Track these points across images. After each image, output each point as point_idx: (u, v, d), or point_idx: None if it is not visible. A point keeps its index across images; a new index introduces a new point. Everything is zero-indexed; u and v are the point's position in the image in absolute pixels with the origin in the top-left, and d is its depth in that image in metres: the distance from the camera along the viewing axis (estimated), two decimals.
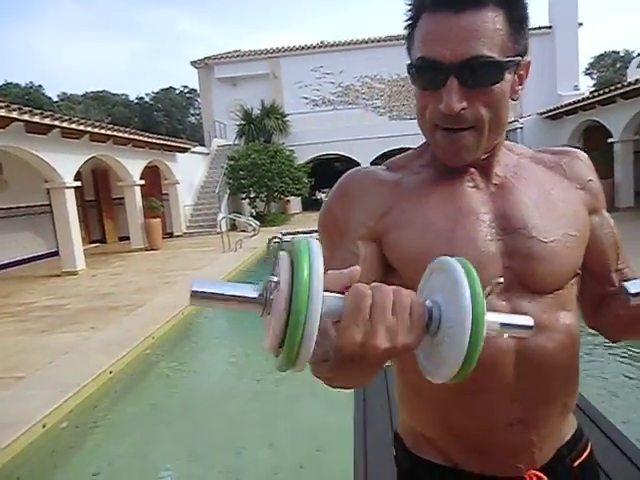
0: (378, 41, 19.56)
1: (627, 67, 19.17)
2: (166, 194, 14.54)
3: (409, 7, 0.73)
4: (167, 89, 32.89)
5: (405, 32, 0.75)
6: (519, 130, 14.74)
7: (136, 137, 11.44)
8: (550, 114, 14.44)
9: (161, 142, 12.79)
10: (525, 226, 0.74)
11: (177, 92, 33.36)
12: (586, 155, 0.86)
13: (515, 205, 0.76)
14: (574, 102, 13.06)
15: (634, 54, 34.49)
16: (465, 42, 0.66)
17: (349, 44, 19.56)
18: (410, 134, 17.81)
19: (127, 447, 3.32)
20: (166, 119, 30.63)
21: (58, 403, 3.49)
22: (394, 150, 18.46)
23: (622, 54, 37.08)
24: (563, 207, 0.77)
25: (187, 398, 4.08)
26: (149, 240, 12.07)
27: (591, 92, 15.55)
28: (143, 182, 12.38)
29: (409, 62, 0.74)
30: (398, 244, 0.75)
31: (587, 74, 38.53)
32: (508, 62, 0.69)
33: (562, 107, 13.64)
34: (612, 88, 11.38)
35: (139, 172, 12.31)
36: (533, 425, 0.75)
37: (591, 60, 38.55)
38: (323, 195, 19.83)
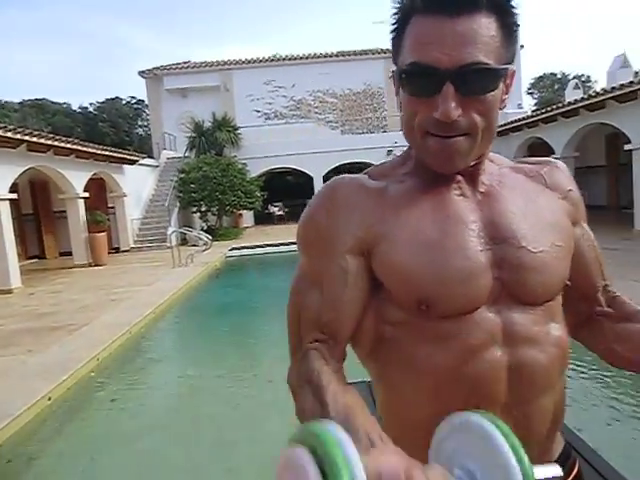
0: (330, 56, 19.83)
1: (564, 88, 20.39)
2: (112, 207, 13.93)
3: (396, 9, 0.70)
4: (113, 99, 31.77)
5: (391, 36, 0.73)
6: None
7: (79, 147, 10.89)
8: (497, 130, 15.03)
9: (107, 153, 12.25)
10: (514, 235, 0.72)
11: (124, 103, 32.31)
12: (564, 165, 0.86)
13: (503, 214, 0.74)
14: (519, 119, 13.67)
15: (569, 76, 37.11)
16: (462, 47, 0.64)
17: (302, 58, 19.70)
18: (362, 148, 18.17)
19: None
20: (112, 130, 29.53)
21: None
22: (346, 164, 18.63)
23: (559, 76, 39.56)
24: (549, 217, 0.76)
25: (135, 424, 3.78)
26: (93, 255, 11.46)
27: (533, 111, 16.39)
28: (87, 195, 11.78)
29: (396, 68, 0.71)
30: (387, 256, 0.72)
31: (529, 93, 40.92)
32: (503, 70, 0.69)
33: (508, 124, 14.24)
34: (553, 107, 12.06)
35: (83, 184, 11.70)
36: (525, 441, 0.69)
37: (532, 81, 40.91)
38: (275, 209, 19.62)
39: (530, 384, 0.71)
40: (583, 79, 37.32)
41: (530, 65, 49.73)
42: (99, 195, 13.61)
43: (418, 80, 0.68)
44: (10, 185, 8.90)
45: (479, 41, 0.65)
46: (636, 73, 14.00)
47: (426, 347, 0.71)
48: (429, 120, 0.68)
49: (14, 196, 9.02)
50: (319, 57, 19.69)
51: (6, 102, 33.06)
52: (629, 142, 9.86)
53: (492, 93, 0.68)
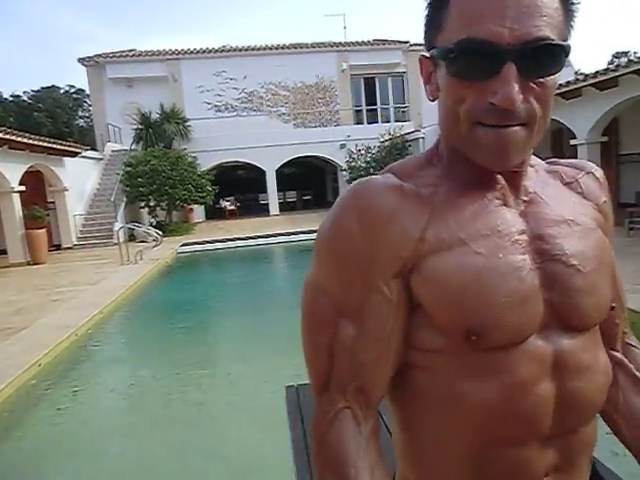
0: (282, 48, 19.47)
1: None
2: (52, 202, 13.10)
3: None
4: (50, 87, 29.82)
5: (426, 10, 0.63)
6: (421, 140, 15.25)
7: (13, 138, 10.12)
8: None
9: (45, 144, 11.47)
10: (563, 252, 0.63)
11: (62, 92, 30.42)
12: (601, 171, 0.76)
13: (549, 227, 0.65)
14: None
15: None
16: (527, 20, 0.55)
17: (253, 50, 19.25)
18: (315, 142, 18.07)
19: None
20: (49, 121, 27.77)
21: None
22: (299, 158, 18.55)
23: None
24: (591, 231, 0.67)
25: (82, 434, 3.51)
26: (32, 253, 10.73)
27: None
28: (23, 188, 11.01)
29: (436, 49, 0.61)
30: (434, 277, 0.61)
31: None
32: (569, 48, 0.59)
33: None
34: None
35: (18, 177, 10.91)
36: (567, 472, 0.67)
37: None
38: (227, 203, 19.19)
39: (578, 415, 0.64)
40: None
41: None
42: (37, 189, 12.78)
43: (471, 60, 0.57)
44: None
45: (545, 13, 0.55)
46: (576, 72, 14.71)
47: (470, 380, 0.61)
48: (482, 107, 0.58)
49: None
50: (271, 49, 19.32)
51: None
52: (575, 137, 10.30)
53: (554, 76, 0.59)
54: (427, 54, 0.65)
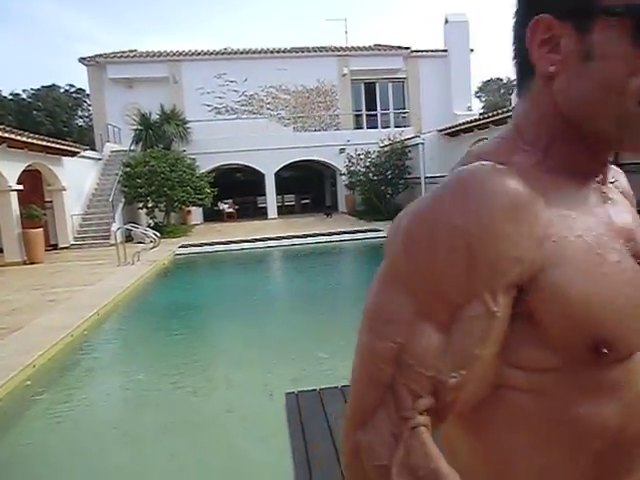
0: (284, 52, 19.47)
1: (510, 93, 21.14)
2: (50, 202, 13.03)
3: None
4: (50, 87, 29.69)
5: None
6: (420, 145, 15.33)
7: (12, 136, 10.07)
8: (448, 131, 15.31)
9: (43, 143, 11.42)
10: None
11: (62, 91, 30.29)
12: None
13: (633, 227, 0.59)
14: (471, 121, 13.92)
15: (514, 82, 38.89)
16: None
17: (254, 52, 19.25)
18: (314, 146, 18.06)
19: None
20: (49, 120, 27.66)
21: None
22: (299, 161, 18.52)
23: (505, 81, 40.76)
24: None
25: (75, 438, 3.45)
26: (28, 253, 10.66)
27: (481, 113, 16.88)
28: (21, 187, 10.94)
29: (594, 7, 0.51)
30: (561, 286, 0.52)
31: (477, 96, 42.39)
32: None
33: (460, 125, 14.49)
34: (504, 110, 12.33)
35: (16, 176, 10.85)
36: None
37: (480, 84, 42.18)
38: (225, 206, 19.13)
39: None
40: None
41: (478, 69, 51.58)
42: (35, 188, 12.70)
43: None
44: None
45: None
46: None
47: (588, 402, 0.54)
48: None
49: None
50: (272, 52, 19.32)
51: None
52: None
53: None
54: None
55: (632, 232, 0.58)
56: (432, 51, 21.06)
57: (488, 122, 12.97)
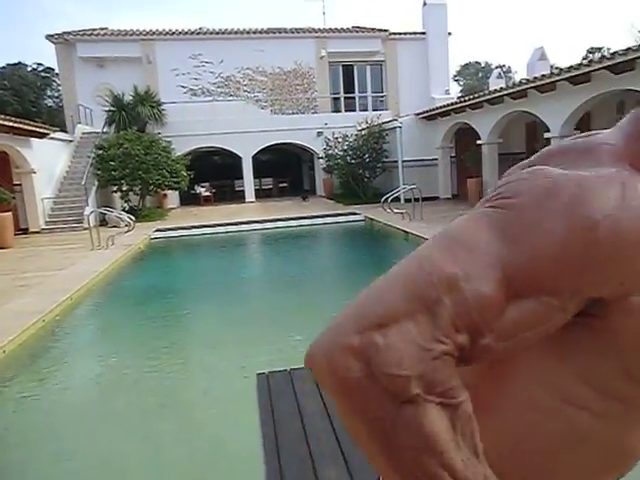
0: (261, 32, 19.14)
1: (488, 77, 21.17)
2: (19, 185, 12.67)
3: None
4: (16, 65, 28.59)
5: None
6: (398, 129, 15.34)
7: None
8: (425, 115, 15.31)
9: (9, 124, 11.04)
10: None
11: (29, 69, 29.23)
12: None
13: None
14: (447, 105, 13.94)
15: (492, 66, 38.91)
16: None
17: (230, 33, 18.86)
18: (292, 129, 17.88)
19: None
20: (15, 99, 26.64)
21: None
22: (276, 145, 18.36)
23: (483, 65, 41.05)
24: None
25: (47, 423, 3.43)
26: None
27: (459, 97, 16.92)
28: None
29: None
30: None
31: (455, 80, 42.47)
32: None
33: (436, 109, 14.51)
34: (480, 94, 12.39)
35: None
36: None
37: (458, 68, 42.20)
38: (202, 189, 18.89)
39: None
40: (505, 69, 39.11)
41: (457, 52, 51.49)
42: (3, 170, 12.35)
43: None
44: None
45: None
46: (551, 66, 14.89)
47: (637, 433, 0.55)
48: None
49: None
50: (249, 33, 18.96)
51: None
52: (549, 130, 10.36)
53: None
54: None
55: None
56: (410, 34, 20.95)
57: (465, 106, 13.08)
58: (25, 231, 12.55)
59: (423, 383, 0.44)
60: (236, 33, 18.91)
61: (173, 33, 18.41)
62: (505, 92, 11.20)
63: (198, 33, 18.63)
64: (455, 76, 42.02)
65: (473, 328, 0.47)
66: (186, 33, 18.49)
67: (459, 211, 11.68)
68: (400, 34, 20.82)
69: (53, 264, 8.00)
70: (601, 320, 0.52)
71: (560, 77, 9.45)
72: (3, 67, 28.55)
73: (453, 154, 15.48)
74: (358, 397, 0.45)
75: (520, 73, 36.55)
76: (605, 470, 0.57)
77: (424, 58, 20.50)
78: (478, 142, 13.20)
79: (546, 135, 10.49)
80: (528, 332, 0.49)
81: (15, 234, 11.06)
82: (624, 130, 0.58)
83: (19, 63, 29.36)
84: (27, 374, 4.19)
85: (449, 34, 21.01)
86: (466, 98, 13.28)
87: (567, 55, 51.56)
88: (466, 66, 42.48)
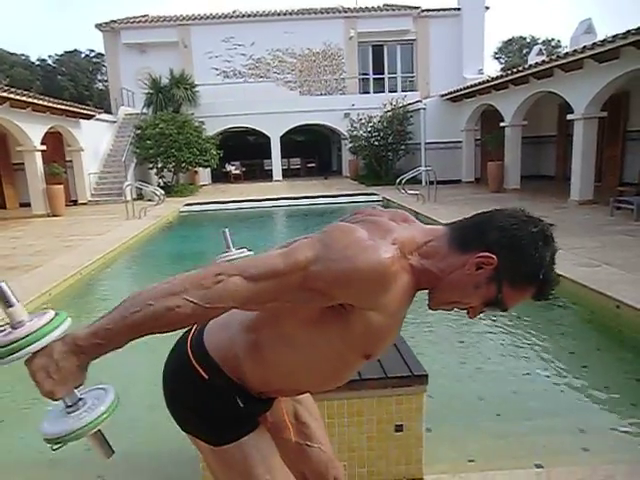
0: (291, 14, 19.60)
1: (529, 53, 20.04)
2: (70, 161, 14.26)
3: None
4: (72, 52, 30.84)
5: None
6: (422, 111, 15.34)
7: (35, 101, 11.19)
8: (451, 96, 14.98)
9: (63, 107, 12.52)
10: None
11: (83, 56, 31.45)
12: None
13: None
14: (470, 86, 13.55)
15: (539, 41, 36.12)
16: None
17: (262, 15, 19.56)
18: (320, 110, 18.13)
19: None
20: (71, 84, 28.90)
21: None
22: (306, 125, 18.79)
23: (529, 40, 38.56)
24: None
25: None
26: (51, 206, 11.98)
27: (489, 76, 16.31)
28: (44, 147, 12.15)
29: None
30: (367, 317, 0.99)
31: (496, 58, 40.19)
32: None
33: (461, 90, 14.14)
34: (503, 74, 11.95)
35: (40, 137, 12.04)
36: None
37: (499, 44, 40.21)
38: (232, 168, 19.92)
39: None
40: (553, 44, 36.75)
41: (499, 28, 48.41)
42: (57, 148, 13.90)
43: None
44: None
45: None
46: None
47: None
48: None
49: None
50: (279, 14, 19.58)
51: None
52: (573, 112, 9.82)
53: None
54: None
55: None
56: (444, 10, 20.37)
57: (489, 86, 12.56)
58: (75, 202, 14.21)
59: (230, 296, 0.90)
60: (267, 15, 19.54)
61: (207, 17, 19.35)
62: (528, 71, 10.55)
63: (231, 17, 19.44)
64: (496, 53, 40.38)
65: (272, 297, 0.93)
66: (219, 17, 19.38)
67: (473, 195, 12.01)
68: (433, 11, 20.34)
69: (93, 230, 9.42)
70: (348, 312, 0.96)
71: (584, 54, 8.72)
72: (62, 54, 30.77)
73: (478, 137, 15.16)
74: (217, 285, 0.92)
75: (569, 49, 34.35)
76: (332, 382, 1.12)
77: (458, 36, 19.93)
78: (501, 124, 12.70)
79: (569, 117, 9.98)
80: (306, 303, 0.96)
81: (66, 205, 12.66)
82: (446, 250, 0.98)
83: (74, 50, 31.57)
84: (66, 310, 5.48)
85: (486, 8, 20.18)
86: (489, 78, 12.80)
87: (621, 28, 48.06)
88: (509, 42, 40.45)
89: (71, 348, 0.87)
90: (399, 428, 1.94)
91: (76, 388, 0.90)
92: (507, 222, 0.93)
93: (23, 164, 12.15)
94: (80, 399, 0.92)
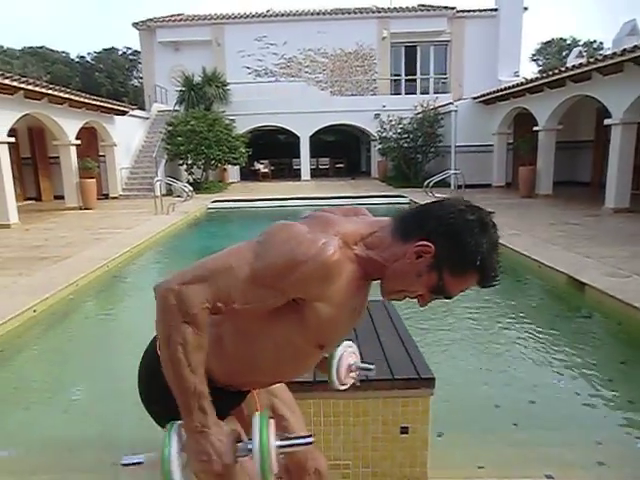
0: (324, 13, 19.62)
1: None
2: (103, 156, 14.64)
3: None
4: (109, 49, 31.90)
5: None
6: (453, 113, 15.15)
7: (72, 97, 11.54)
8: (483, 99, 14.77)
9: (98, 103, 12.88)
10: None
11: (120, 53, 32.44)
12: None
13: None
14: (503, 89, 13.29)
15: (580, 42, 35.07)
16: None
17: (295, 15, 19.64)
18: (350, 110, 18.06)
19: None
20: (108, 80, 29.85)
21: None
22: (336, 125, 18.76)
23: (569, 42, 37.53)
24: None
25: (105, 334, 4.79)
26: (84, 200, 12.34)
27: (525, 78, 15.86)
28: (79, 142, 12.52)
29: None
30: (317, 310, 1.02)
31: (533, 60, 39.29)
32: None
33: (494, 92, 13.91)
34: (539, 77, 11.68)
35: (75, 132, 12.42)
36: None
37: (538, 46, 39.27)
38: (261, 166, 20.06)
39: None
40: (595, 46, 35.56)
41: (536, 29, 47.15)
42: (91, 143, 14.30)
43: None
44: (9, 130, 9.69)
45: None
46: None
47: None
48: None
49: (12, 140, 9.86)
50: (312, 14, 19.59)
51: (8, 49, 33.13)
52: (609, 117, 9.57)
53: None
54: None
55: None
56: (480, 11, 20.00)
57: (523, 89, 12.28)
58: (106, 196, 14.59)
59: (191, 318, 0.94)
60: (300, 15, 19.60)
61: (241, 16, 19.56)
62: (565, 74, 10.25)
63: (264, 16, 19.59)
64: (534, 55, 39.49)
65: (228, 300, 0.97)
66: (253, 16, 19.57)
67: (501, 200, 11.80)
68: (469, 11, 19.99)
69: (123, 224, 9.65)
70: (301, 306, 1.00)
71: (624, 57, 8.50)
72: (99, 52, 31.82)
73: (510, 140, 14.89)
74: (168, 313, 0.95)
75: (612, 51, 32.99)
76: (294, 373, 1.17)
77: (494, 37, 19.47)
78: (535, 128, 12.44)
79: (606, 122, 9.68)
80: (259, 303, 0.98)
81: (98, 198, 13.02)
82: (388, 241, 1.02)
83: (112, 48, 32.57)
84: (91, 301, 5.63)
85: (525, 9, 19.69)
86: (524, 80, 12.53)
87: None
88: (548, 44, 39.55)
89: (195, 433, 0.98)
90: (405, 430, 1.91)
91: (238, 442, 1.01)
92: (445, 211, 0.96)
93: (58, 158, 12.57)
94: (246, 445, 1.00)
